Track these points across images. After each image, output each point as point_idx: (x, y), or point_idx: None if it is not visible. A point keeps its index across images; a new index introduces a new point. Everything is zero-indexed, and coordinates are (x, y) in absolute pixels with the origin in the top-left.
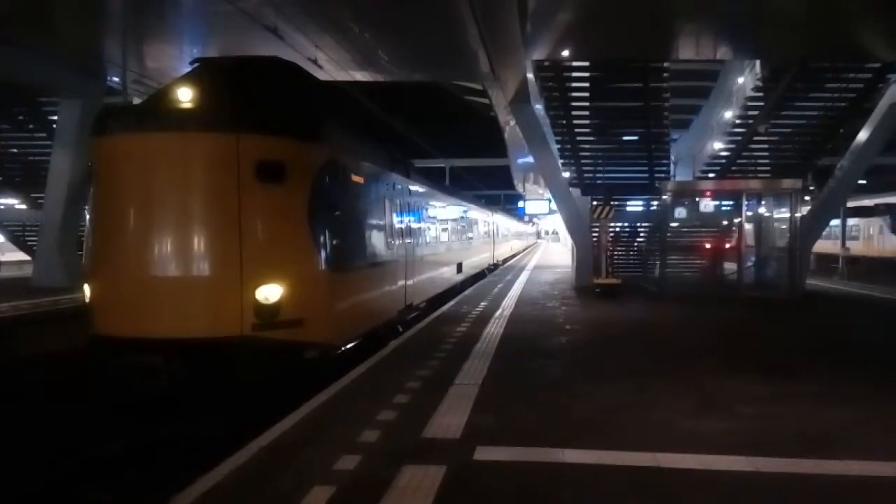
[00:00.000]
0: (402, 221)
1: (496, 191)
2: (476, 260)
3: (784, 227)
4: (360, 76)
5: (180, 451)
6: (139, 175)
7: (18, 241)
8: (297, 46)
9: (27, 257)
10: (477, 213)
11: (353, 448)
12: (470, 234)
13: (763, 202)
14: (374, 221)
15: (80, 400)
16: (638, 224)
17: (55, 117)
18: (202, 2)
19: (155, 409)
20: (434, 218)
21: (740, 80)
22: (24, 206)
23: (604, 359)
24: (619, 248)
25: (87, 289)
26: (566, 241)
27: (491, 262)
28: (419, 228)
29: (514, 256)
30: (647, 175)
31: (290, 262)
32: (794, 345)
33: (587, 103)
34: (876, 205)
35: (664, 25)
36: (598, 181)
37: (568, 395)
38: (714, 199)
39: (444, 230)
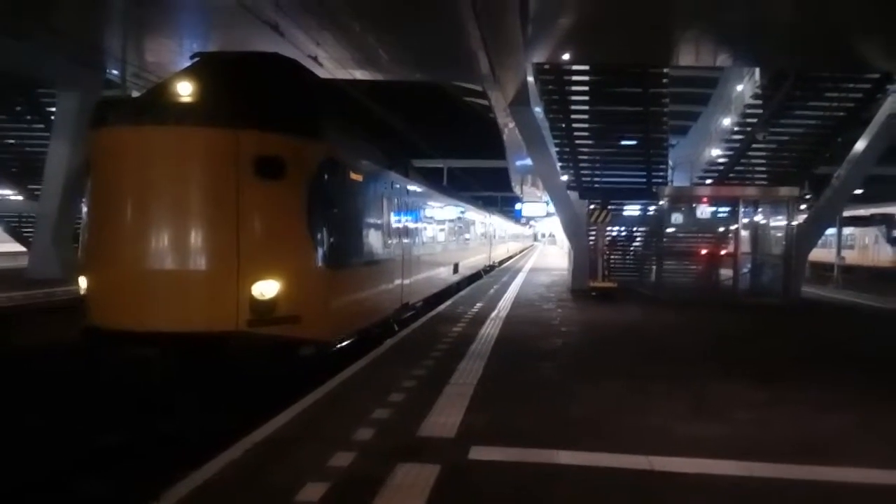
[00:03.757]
0: (399, 220)
1: (494, 192)
2: (473, 261)
3: (780, 234)
4: (360, 75)
5: (171, 446)
6: (137, 168)
7: (14, 233)
8: (297, 43)
9: (23, 248)
10: (474, 215)
11: (347, 445)
12: (467, 235)
13: (760, 209)
14: (371, 220)
15: (71, 393)
16: (635, 228)
17: (53, 109)
18: None
19: (148, 402)
20: (431, 218)
21: (739, 87)
22: (20, 198)
23: (599, 361)
24: (615, 252)
25: (82, 280)
26: (563, 244)
27: (487, 264)
28: (416, 228)
29: (510, 258)
30: (644, 180)
31: (286, 258)
32: (789, 351)
33: (586, 107)
34: (872, 214)
35: (664, 31)
36: (596, 185)
37: (563, 397)
38: (711, 206)
39: (442, 230)
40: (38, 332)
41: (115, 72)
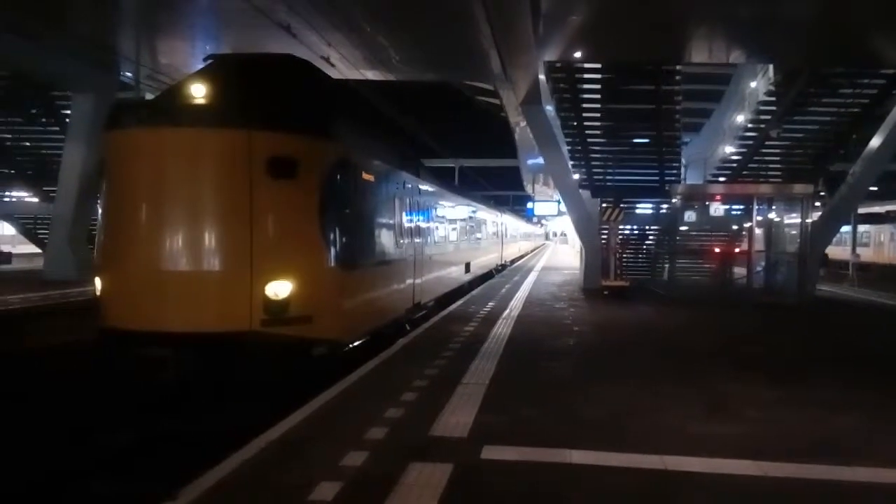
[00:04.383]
0: (411, 220)
1: (505, 191)
2: (484, 260)
3: (794, 232)
4: (371, 75)
5: (186, 445)
6: (151, 170)
7: (30, 234)
8: (309, 44)
9: (38, 250)
10: (486, 214)
11: (360, 444)
12: (478, 235)
13: (774, 207)
14: (383, 220)
15: (86, 393)
16: (647, 227)
17: (68, 111)
18: None
19: (162, 402)
20: (443, 217)
21: (753, 84)
22: (35, 199)
23: (611, 361)
24: (627, 251)
25: (97, 282)
26: (575, 242)
27: (499, 263)
28: (428, 227)
29: (522, 257)
30: (657, 178)
31: (300, 258)
32: (804, 350)
33: (598, 105)
34: (887, 211)
35: (677, 28)
36: (608, 183)
37: (575, 397)
38: (724, 204)
39: (453, 230)
40: (53, 332)
41: (128, 74)
